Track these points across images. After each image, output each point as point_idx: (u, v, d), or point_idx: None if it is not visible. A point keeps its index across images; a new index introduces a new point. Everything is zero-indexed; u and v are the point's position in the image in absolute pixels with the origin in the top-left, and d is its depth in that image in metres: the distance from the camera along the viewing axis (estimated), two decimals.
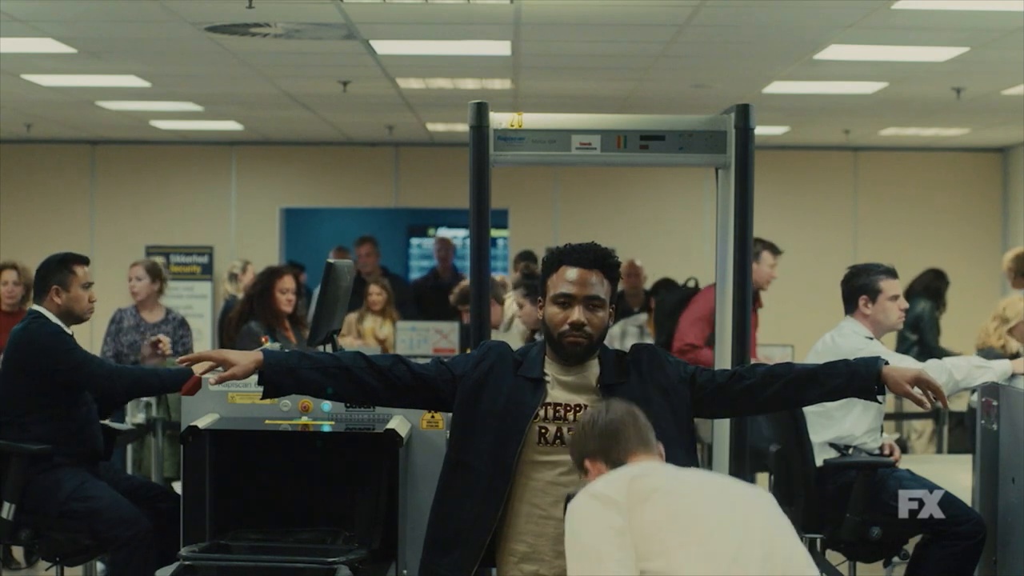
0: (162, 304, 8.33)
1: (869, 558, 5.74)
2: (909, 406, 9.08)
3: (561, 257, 3.79)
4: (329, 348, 5.00)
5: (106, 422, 5.75)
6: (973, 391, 5.97)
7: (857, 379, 3.90)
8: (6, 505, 5.45)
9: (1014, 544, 5.25)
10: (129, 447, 7.56)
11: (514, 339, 7.69)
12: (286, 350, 4.12)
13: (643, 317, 9.94)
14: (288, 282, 7.61)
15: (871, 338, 5.74)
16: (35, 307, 5.64)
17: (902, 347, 9.39)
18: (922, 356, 8.07)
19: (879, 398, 3.96)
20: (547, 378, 3.79)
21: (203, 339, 13.48)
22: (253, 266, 10.52)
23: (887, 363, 3.90)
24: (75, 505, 5.40)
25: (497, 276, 8.18)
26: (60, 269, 5.65)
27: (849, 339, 5.72)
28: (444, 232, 16.30)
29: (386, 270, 11.45)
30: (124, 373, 5.71)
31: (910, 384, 3.85)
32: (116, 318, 8.21)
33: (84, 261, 5.73)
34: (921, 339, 9.63)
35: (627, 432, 3.27)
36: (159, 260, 8.62)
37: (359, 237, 12.03)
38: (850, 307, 5.85)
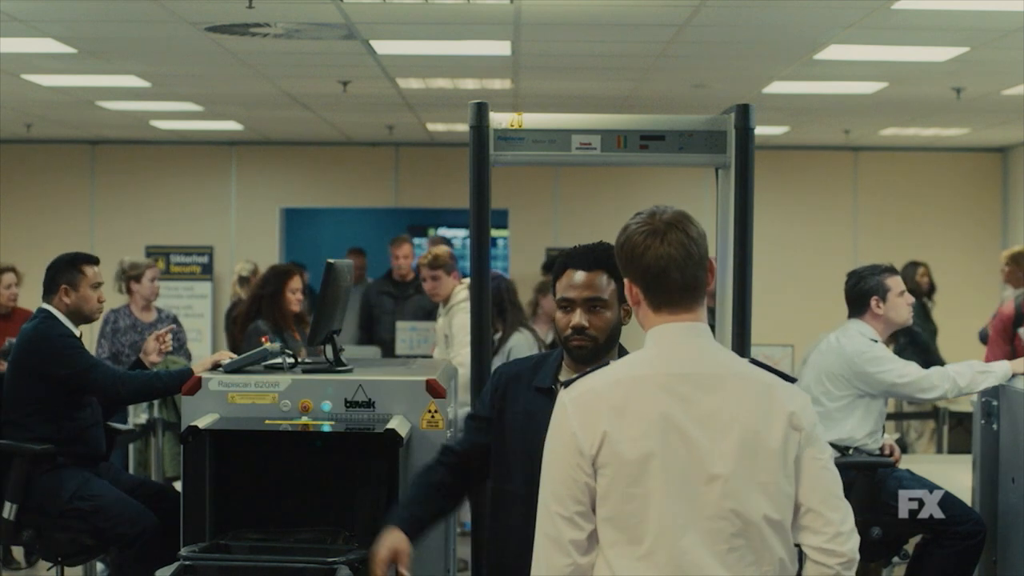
0: (153, 303, 8.42)
1: (869, 558, 5.74)
2: (909, 406, 9.08)
3: (566, 261, 3.80)
4: (329, 349, 4.97)
5: (107, 422, 5.76)
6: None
7: None
8: (8, 505, 5.44)
9: (1014, 544, 5.26)
10: (132, 447, 7.57)
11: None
12: (401, 509, 3.96)
13: None
14: (298, 282, 7.67)
15: (875, 340, 5.75)
16: (44, 306, 5.63)
17: (896, 347, 9.30)
18: (915, 355, 8.01)
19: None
20: (556, 387, 3.79)
21: (203, 339, 13.50)
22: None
23: None
24: (79, 504, 5.40)
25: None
26: (69, 269, 5.63)
27: (854, 340, 5.73)
28: (444, 232, 16.30)
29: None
30: (128, 379, 5.51)
31: None
32: (110, 319, 8.23)
33: (94, 261, 5.71)
34: (912, 339, 9.47)
35: (671, 276, 2.79)
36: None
37: (395, 237, 11.00)
38: (858, 310, 5.85)
